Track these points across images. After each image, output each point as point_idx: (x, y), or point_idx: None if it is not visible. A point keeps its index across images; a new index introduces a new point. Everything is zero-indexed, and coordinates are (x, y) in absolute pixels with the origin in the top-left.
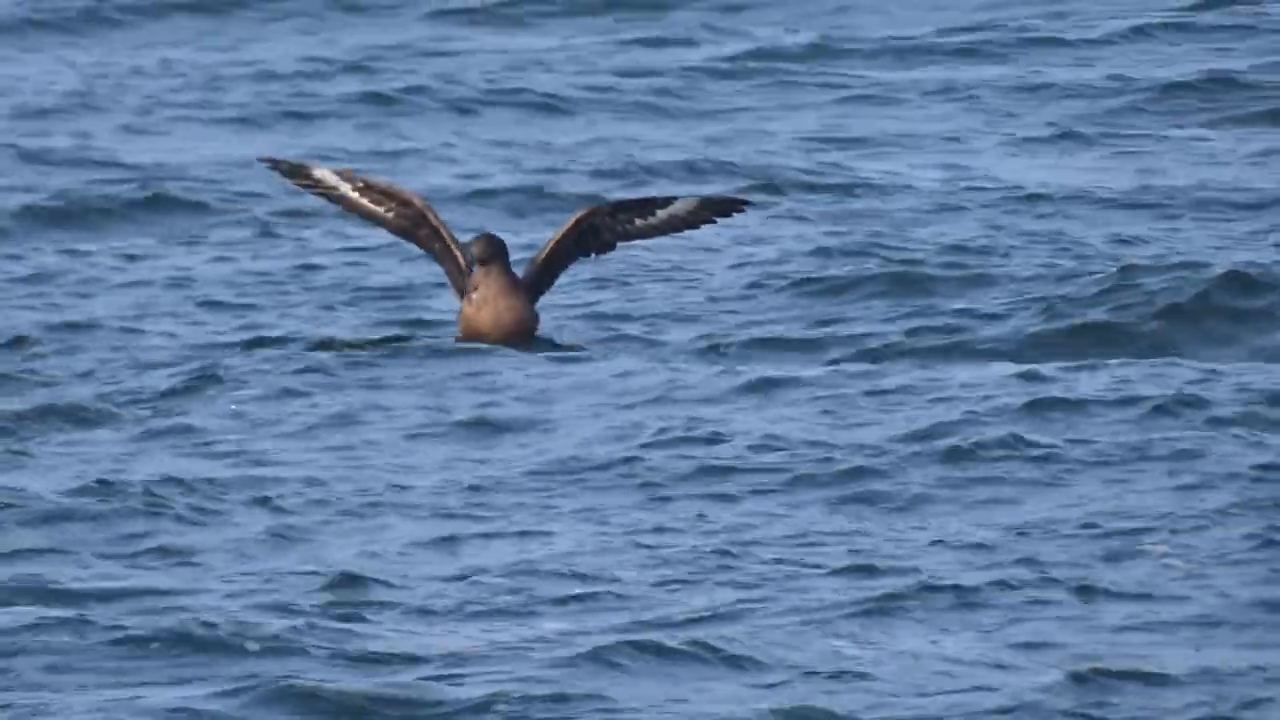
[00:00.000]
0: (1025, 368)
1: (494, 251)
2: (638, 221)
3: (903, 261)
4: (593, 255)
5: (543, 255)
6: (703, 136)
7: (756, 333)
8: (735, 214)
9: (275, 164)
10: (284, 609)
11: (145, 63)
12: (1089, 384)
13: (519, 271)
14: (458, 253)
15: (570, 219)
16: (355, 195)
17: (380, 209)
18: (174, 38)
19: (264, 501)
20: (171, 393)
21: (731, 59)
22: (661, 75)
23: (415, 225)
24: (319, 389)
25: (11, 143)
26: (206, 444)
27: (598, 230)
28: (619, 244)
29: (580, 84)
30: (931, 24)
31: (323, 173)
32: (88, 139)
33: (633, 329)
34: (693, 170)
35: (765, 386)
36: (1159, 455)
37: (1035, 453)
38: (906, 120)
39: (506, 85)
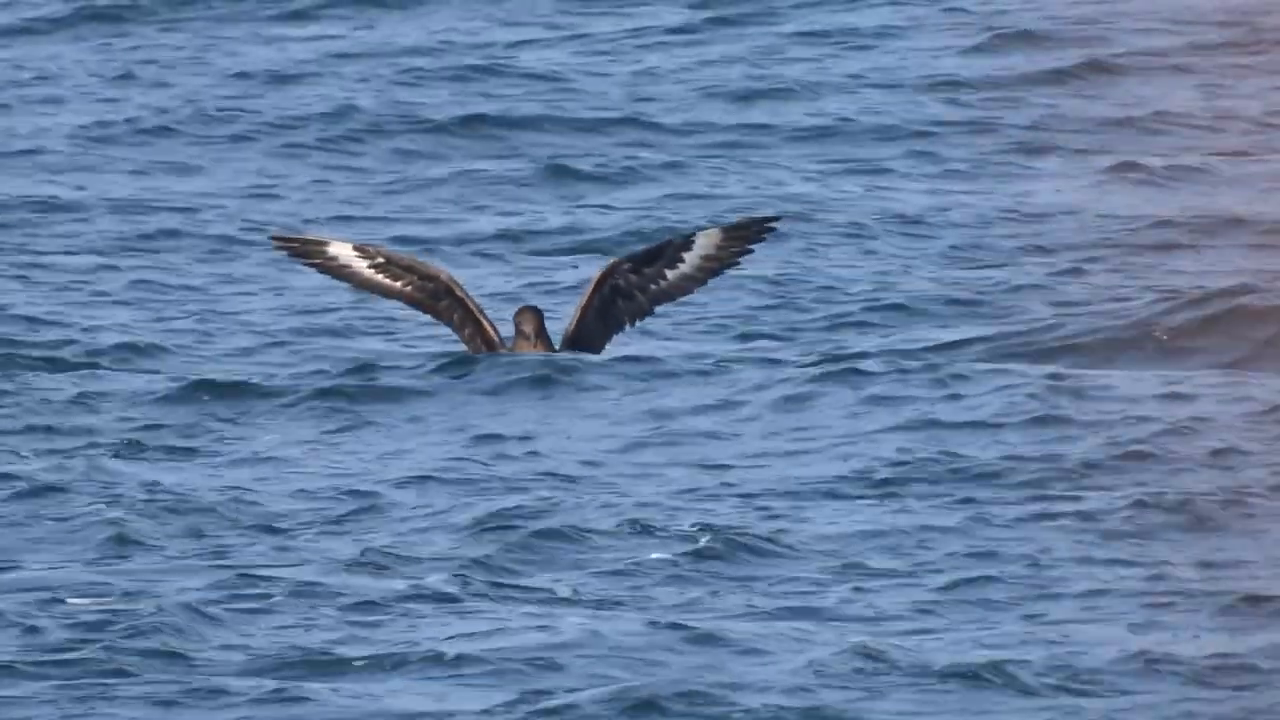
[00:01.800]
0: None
1: (539, 322)
2: (669, 274)
3: (950, 282)
4: (627, 324)
5: (571, 325)
6: (721, 163)
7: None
8: (767, 235)
9: (285, 243)
10: (299, 611)
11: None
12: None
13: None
14: (483, 319)
15: (590, 283)
16: (370, 272)
17: (398, 284)
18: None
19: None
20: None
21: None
22: (671, 94)
23: (435, 298)
24: (344, 411)
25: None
26: (233, 458)
27: (623, 291)
28: (655, 306)
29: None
30: (965, 59)
31: (339, 248)
32: (148, 160)
33: (648, 347)
34: (710, 203)
35: (778, 400)
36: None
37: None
38: (946, 148)
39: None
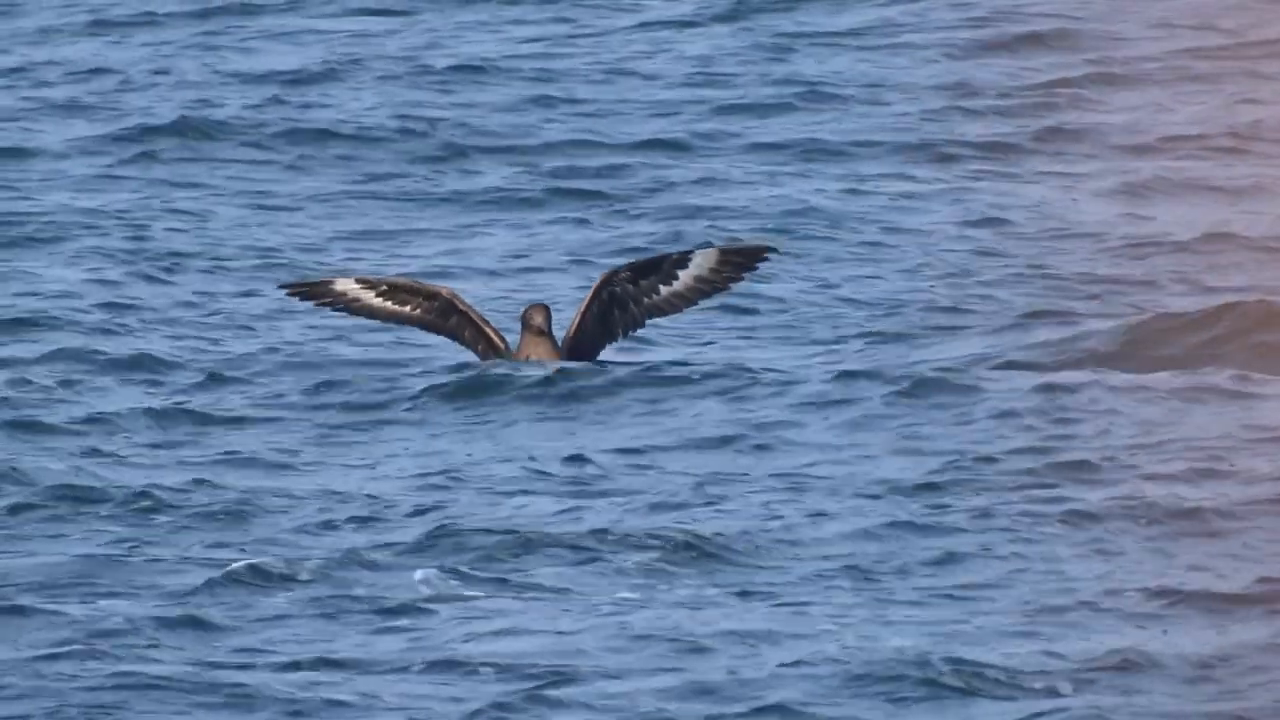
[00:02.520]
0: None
1: (547, 319)
2: (662, 289)
3: (955, 291)
4: (620, 333)
5: (572, 329)
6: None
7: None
8: (761, 264)
9: (294, 289)
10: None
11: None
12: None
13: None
14: (488, 329)
15: (590, 289)
16: (379, 301)
17: (406, 308)
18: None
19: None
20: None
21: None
22: (683, 105)
23: (444, 316)
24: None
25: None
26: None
27: (619, 300)
28: (647, 319)
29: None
30: (990, 80)
31: (345, 284)
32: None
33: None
34: (716, 214)
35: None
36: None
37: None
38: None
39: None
